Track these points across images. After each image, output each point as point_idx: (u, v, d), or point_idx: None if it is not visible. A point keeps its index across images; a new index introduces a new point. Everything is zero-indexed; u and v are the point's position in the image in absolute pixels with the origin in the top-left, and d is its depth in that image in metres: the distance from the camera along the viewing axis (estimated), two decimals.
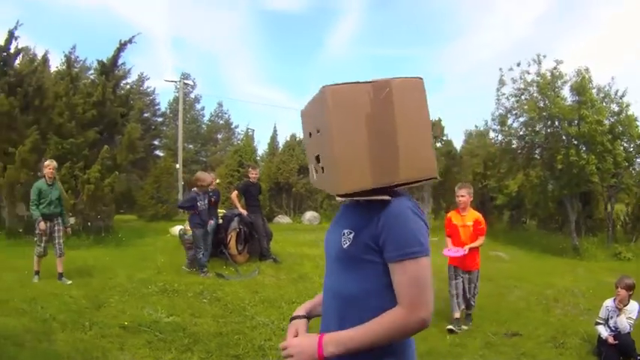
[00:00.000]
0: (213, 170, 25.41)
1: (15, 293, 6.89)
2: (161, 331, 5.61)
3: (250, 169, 10.82)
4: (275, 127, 35.68)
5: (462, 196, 6.44)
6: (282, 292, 7.92)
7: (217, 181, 12.45)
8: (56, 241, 8.00)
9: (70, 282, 7.84)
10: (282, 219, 23.73)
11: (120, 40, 16.21)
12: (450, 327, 6.14)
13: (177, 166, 27.09)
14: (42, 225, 7.77)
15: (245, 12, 73.78)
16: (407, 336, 1.55)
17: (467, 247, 6.22)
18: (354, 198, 1.57)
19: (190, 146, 40.58)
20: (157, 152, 36.01)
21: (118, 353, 5.03)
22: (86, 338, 5.33)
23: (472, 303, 6.50)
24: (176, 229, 13.73)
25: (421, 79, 1.59)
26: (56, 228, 8.03)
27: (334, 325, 1.61)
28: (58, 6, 63.85)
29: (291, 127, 53.87)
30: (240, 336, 5.65)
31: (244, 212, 10.26)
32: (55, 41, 61.36)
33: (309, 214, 24.38)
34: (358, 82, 1.53)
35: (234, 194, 10.55)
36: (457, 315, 6.29)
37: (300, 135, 22.77)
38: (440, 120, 24.63)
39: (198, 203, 9.01)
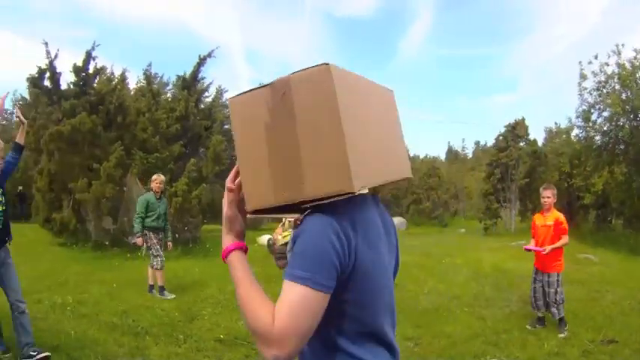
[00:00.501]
0: None
1: (104, 306, 6.85)
2: None
3: None
4: None
5: (548, 197, 6.41)
6: None
7: None
8: None
9: (162, 295, 7.67)
10: None
11: (199, 55, 16.65)
12: (528, 325, 6.35)
13: None
14: (139, 241, 7.79)
15: (316, 20, 74.97)
16: (251, 333, 1.28)
17: (547, 248, 6.13)
18: (264, 215, 1.45)
19: None
20: None
21: None
22: (181, 352, 5.12)
23: (553, 310, 6.15)
24: (264, 239, 13.44)
25: (327, 64, 1.19)
26: (159, 243, 7.97)
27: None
28: (132, 26, 67.19)
29: None
30: None
31: None
32: (130, 59, 64.46)
33: (396, 220, 23.76)
34: (258, 87, 1.28)
35: None
36: (537, 314, 6.40)
37: None
38: (523, 119, 23.78)
39: None
